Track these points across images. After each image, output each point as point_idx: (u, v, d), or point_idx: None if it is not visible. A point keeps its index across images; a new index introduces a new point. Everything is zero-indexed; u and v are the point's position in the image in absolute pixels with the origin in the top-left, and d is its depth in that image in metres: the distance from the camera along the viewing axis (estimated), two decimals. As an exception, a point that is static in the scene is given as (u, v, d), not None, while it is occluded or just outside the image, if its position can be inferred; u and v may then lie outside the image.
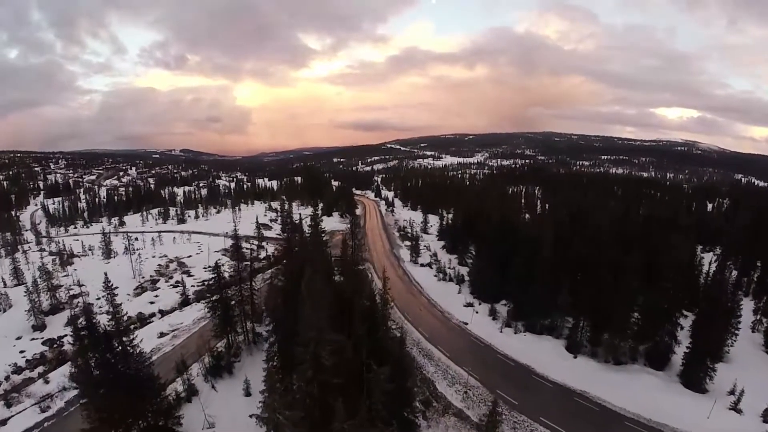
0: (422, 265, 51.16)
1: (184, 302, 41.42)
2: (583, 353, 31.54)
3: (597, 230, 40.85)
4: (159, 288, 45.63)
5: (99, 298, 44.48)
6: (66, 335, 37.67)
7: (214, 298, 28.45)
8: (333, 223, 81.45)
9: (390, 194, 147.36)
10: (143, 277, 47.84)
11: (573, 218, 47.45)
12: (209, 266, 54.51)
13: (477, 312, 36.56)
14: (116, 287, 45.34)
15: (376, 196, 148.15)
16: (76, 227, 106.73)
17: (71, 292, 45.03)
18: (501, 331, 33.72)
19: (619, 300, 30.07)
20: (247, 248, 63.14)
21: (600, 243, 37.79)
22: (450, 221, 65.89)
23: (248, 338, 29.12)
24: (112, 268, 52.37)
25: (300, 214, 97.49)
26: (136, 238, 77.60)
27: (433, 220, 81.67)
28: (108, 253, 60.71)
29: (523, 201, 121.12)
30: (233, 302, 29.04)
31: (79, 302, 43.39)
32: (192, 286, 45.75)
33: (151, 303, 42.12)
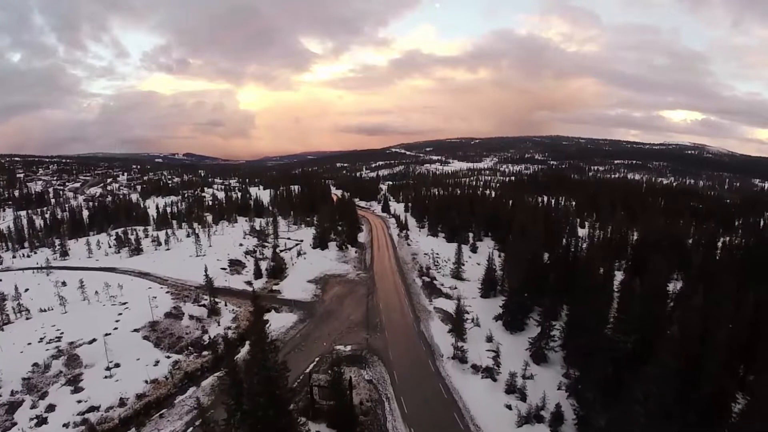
0: (475, 369, 29.35)
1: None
2: None
3: None
4: (15, 423, 24.73)
5: None
6: None
7: None
8: (327, 261, 60.01)
9: (400, 208, 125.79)
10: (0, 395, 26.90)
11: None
12: (112, 365, 33.91)
13: None
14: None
15: (383, 210, 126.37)
16: (15, 255, 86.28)
17: None
18: None
19: None
20: (193, 316, 42.18)
21: None
22: (502, 267, 44.63)
23: None
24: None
25: (287, 241, 76.94)
26: (63, 282, 57.02)
27: (466, 253, 60.58)
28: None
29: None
30: None
31: None
32: (69, 423, 24.81)
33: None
